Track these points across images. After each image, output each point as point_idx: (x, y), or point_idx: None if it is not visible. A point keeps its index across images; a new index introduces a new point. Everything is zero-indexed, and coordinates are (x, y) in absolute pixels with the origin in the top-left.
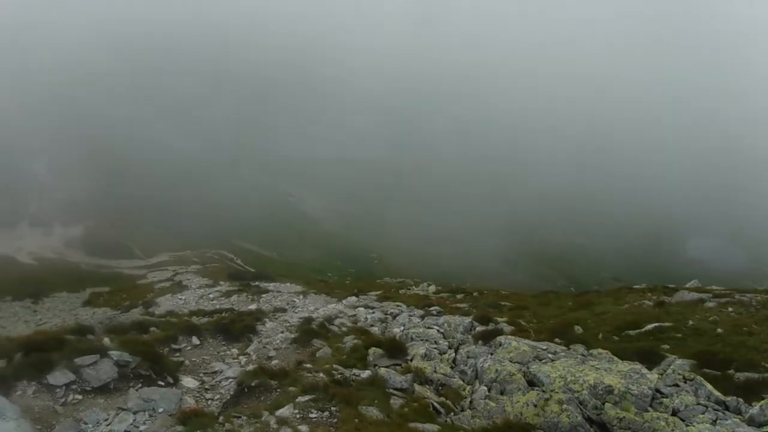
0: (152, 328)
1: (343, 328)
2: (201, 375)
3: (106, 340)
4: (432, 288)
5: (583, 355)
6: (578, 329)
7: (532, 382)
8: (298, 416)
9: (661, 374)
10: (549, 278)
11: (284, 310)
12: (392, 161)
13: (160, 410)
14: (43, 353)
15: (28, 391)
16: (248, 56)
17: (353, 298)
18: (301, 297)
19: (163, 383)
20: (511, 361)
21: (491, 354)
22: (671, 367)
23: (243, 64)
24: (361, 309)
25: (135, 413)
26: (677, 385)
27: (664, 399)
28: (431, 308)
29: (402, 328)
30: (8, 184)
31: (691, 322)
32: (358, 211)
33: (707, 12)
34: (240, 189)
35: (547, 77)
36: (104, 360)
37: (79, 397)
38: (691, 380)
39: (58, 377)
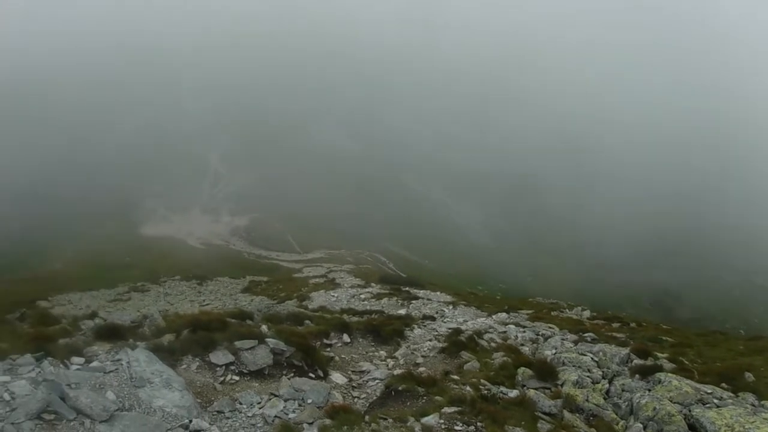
0: (306, 321)
1: (492, 344)
2: (349, 372)
3: (264, 328)
4: (587, 313)
5: (754, 405)
6: (749, 376)
7: (693, 427)
8: (443, 426)
9: None
10: (716, 317)
11: (433, 319)
12: (556, 179)
13: (309, 401)
14: (207, 333)
15: (192, 367)
16: (426, 64)
17: (503, 315)
18: (450, 307)
19: (313, 375)
20: (671, 401)
21: (649, 390)
22: None
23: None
24: (512, 326)
25: (285, 401)
26: None
27: None
28: (585, 334)
29: (553, 351)
30: (187, 172)
31: None
32: (515, 228)
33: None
34: (399, 194)
35: None
36: (261, 346)
37: (237, 378)
38: None
39: (219, 357)
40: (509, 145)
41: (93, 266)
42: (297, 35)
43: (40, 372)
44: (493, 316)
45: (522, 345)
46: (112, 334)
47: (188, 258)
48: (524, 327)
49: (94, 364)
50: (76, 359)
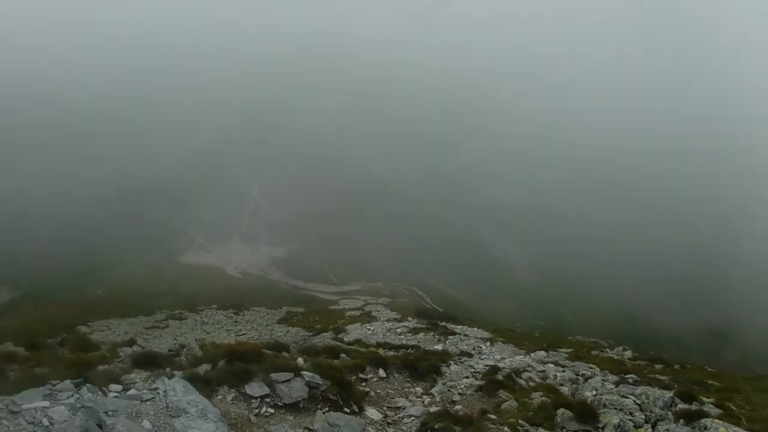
0: (342, 355)
1: (531, 383)
2: (385, 408)
3: (300, 361)
4: (628, 353)
5: None
6: None
7: None
8: None
9: None
10: (766, 361)
11: (470, 355)
12: (599, 216)
13: None
14: (243, 364)
15: (228, 397)
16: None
17: (542, 353)
18: (487, 344)
19: (348, 410)
20: None
21: None
22: None
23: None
24: (551, 365)
25: None
26: None
27: None
28: (627, 375)
29: (594, 392)
30: (227, 202)
31: None
32: (555, 265)
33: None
34: (437, 228)
35: None
36: (297, 379)
37: (271, 410)
38: None
39: (255, 389)
40: (543, 179)
41: (132, 293)
42: (341, 73)
43: (78, 398)
44: (532, 354)
45: (561, 385)
46: (150, 362)
47: (226, 287)
48: (564, 366)
49: (132, 392)
50: (113, 386)
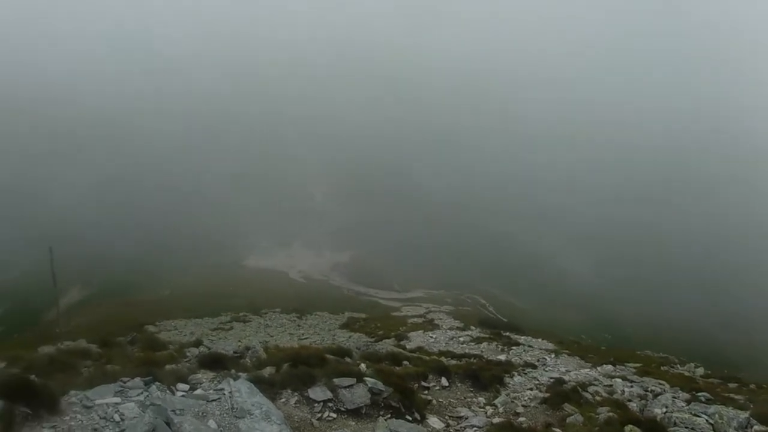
0: (404, 362)
1: (597, 398)
2: (447, 417)
3: (363, 366)
4: (700, 371)
5: None
6: None
7: None
8: None
9: None
10: None
11: (534, 367)
12: (667, 224)
13: None
14: (307, 368)
15: (291, 401)
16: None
17: (609, 367)
18: (552, 356)
19: (410, 418)
20: None
21: None
22: None
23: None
24: (618, 380)
25: None
26: None
27: None
28: (699, 393)
29: (664, 409)
30: (292, 207)
31: None
32: (622, 275)
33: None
34: (500, 237)
35: None
36: (360, 385)
37: (334, 415)
38: None
39: (318, 393)
40: (605, 186)
41: (198, 294)
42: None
43: (147, 396)
44: (598, 368)
45: (629, 401)
46: (216, 363)
47: (289, 291)
48: (632, 381)
49: (198, 391)
50: (181, 386)
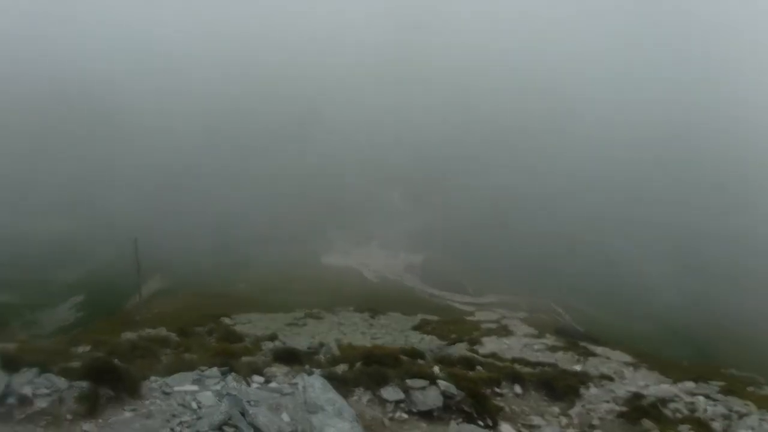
0: (478, 367)
1: (678, 415)
2: (519, 425)
3: (436, 369)
4: None
5: None
6: None
7: None
8: None
9: None
10: None
11: (611, 379)
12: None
13: None
14: (380, 367)
15: (363, 399)
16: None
17: (691, 384)
18: (630, 369)
19: (482, 424)
20: None
21: None
22: None
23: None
24: (701, 398)
25: None
26: None
27: None
28: None
29: (750, 431)
30: (368, 206)
31: None
32: (706, 289)
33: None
34: (579, 244)
35: None
36: (432, 387)
37: (405, 416)
38: None
39: (390, 393)
40: (694, 196)
41: (274, 289)
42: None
43: (224, 386)
44: (679, 384)
45: (712, 420)
46: (290, 357)
47: (362, 290)
48: (715, 400)
49: (273, 384)
50: (256, 378)
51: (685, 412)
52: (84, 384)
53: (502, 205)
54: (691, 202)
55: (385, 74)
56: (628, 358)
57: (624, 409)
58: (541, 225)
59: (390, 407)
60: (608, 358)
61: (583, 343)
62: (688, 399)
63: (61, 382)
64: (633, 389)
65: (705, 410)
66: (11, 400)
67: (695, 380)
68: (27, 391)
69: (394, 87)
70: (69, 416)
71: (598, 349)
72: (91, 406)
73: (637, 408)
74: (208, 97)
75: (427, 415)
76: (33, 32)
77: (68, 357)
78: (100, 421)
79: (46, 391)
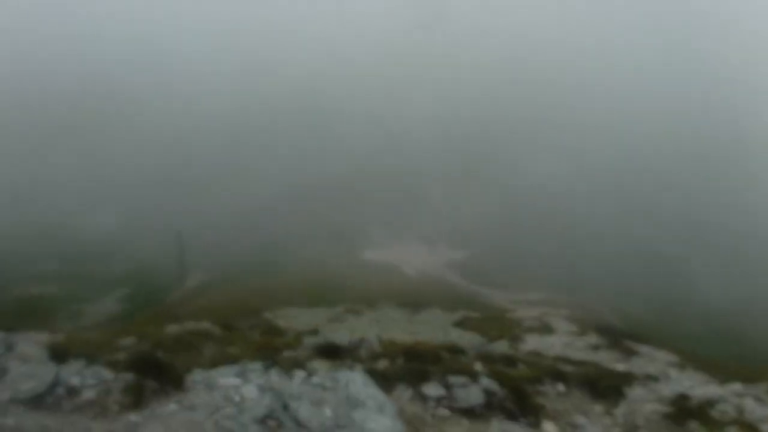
0: (520, 365)
1: (725, 417)
2: (562, 424)
3: (478, 366)
4: None
5: None
6: None
7: None
8: None
9: None
10: None
11: (656, 379)
12: None
13: None
14: (421, 363)
15: (404, 395)
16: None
17: (738, 385)
18: (676, 369)
19: (524, 422)
20: None
21: None
22: None
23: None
24: (750, 400)
25: None
26: None
27: None
28: None
29: None
30: (409, 201)
31: None
32: (756, 291)
33: None
34: (625, 242)
35: None
36: (474, 384)
37: (447, 413)
38: None
39: (432, 389)
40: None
41: (314, 284)
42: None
43: (267, 380)
44: (726, 386)
45: (762, 422)
46: (331, 352)
47: (403, 286)
48: (764, 402)
49: (315, 379)
50: (298, 372)
51: (733, 414)
52: (130, 376)
53: (545, 201)
54: (739, 202)
55: (418, 69)
56: (673, 358)
57: (670, 409)
58: (586, 222)
59: (431, 404)
60: (653, 358)
61: (626, 342)
62: (736, 401)
63: (108, 374)
64: (679, 390)
65: (753, 412)
66: (60, 391)
67: (743, 381)
68: (75, 381)
69: (428, 82)
70: (115, 407)
71: (642, 349)
72: (136, 398)
73: (683, 409)
74: (240, 95)
75: (468, 412)
76: (66, 31)
77: (114, 349)
78: (146, 412)
79: (93, 382)
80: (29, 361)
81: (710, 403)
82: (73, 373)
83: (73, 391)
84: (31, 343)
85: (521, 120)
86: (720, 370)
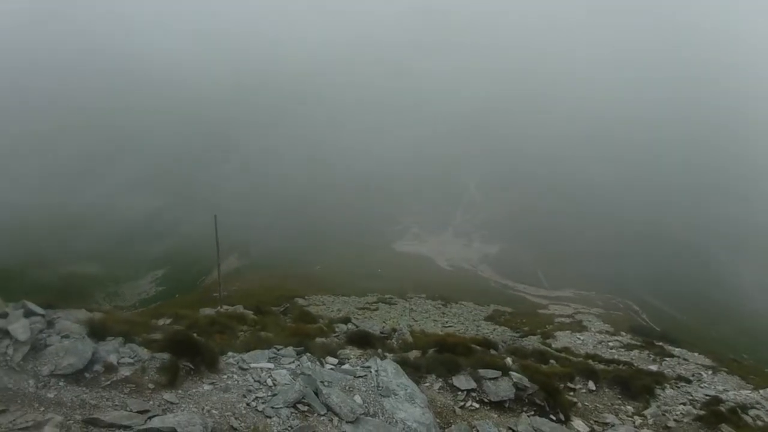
0: (551, 361)
1: (759, 422)
2: (592, 422)
3: (509, 360)
4: None
5: None
6: None
7: None
8: None
9: None
10: None
11: (688, 381)
12: None
13: None
14: (452, 356)
15: (435, 386)
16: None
17: None
18: (709, 372)
19: (554, 418)
20: None
21: None
22: None
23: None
24: None
25: None
26: None
27: None
28: None
29: None
30: (443, 195)
31: None
32: None
33: None
34: (662, 242)
35: None
36: (505, 378)
37: (476, 405)
38: None
39: (462, 381)
40: None
41: (346, 273)
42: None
43: (299, 365)
44: (761, 391)
45: None
46: (363, 341)
47: (435, 278)
48: None
49: (346, 366)
50: (330, 359)
51: (767, 419)
52: (165, 355)
53: (581, 198)
54: None
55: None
56: (706, 361)
57: (702, 412)
58: (625, 222)
59: (461, 395)
60: (686, 359)
61: (659, 343)
62: None
63: (144, 353)
64: (711, 393)
65: None
66: (98, 367)
67: None
68: (112, 359)
69: (461, 81)
70: (151, 385)
71: (676, 350)
72: (171, 377)
73: (715, 412)
74: (281, 90)
75: (498, 406)
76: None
77: (150, 329)
78: (180, 392)
79: (129, 360)
80: (69, 338)
81: (743, 407)
82: (111, 350)
83: (110, 368)
84: (71, 320)
85: (556, 119)
86: (755, 375)
